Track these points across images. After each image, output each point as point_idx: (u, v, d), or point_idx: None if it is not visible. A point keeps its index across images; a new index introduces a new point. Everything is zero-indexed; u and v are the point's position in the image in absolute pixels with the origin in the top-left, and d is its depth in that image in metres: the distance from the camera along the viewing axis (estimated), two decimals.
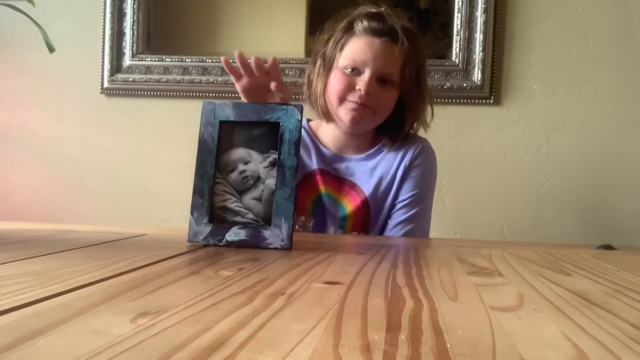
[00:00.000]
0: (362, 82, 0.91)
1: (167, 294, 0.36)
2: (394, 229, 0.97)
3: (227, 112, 0.67)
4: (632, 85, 1.44)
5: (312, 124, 1.07)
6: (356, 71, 0.92)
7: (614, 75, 1.44)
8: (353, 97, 0.92)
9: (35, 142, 1.66)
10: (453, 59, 1.49)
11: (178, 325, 0.28)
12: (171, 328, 0.27)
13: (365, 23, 0.92)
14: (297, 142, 0.64)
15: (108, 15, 1.60)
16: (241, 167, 0.66)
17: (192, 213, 0.65)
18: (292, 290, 0.38)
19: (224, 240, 0.63)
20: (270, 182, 0.65)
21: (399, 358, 0.24)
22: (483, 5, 1.45)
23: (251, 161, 0.66)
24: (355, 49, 0.92)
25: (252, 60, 0.91)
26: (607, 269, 0.54)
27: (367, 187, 0.98)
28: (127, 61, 1.61)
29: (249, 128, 0.67)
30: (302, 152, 1.00)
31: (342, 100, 0.94)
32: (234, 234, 0.63)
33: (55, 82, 1.65)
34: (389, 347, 0.26)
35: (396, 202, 0.98)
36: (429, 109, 1.00)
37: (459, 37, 1.48)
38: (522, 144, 1.48)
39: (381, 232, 1.00)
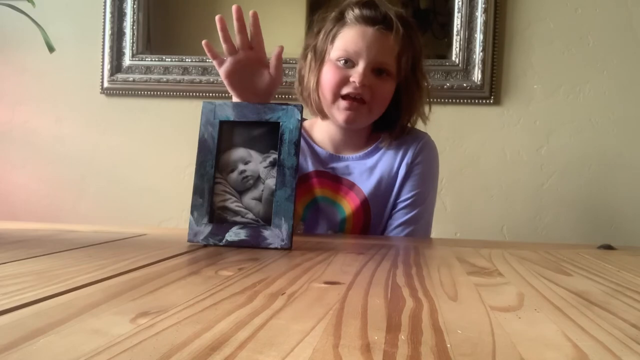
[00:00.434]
0: (356, 73, 0.86)
1: (167, 294, 0.36)
2: (395, 230, 0.95)
3: (227, 112, 0.67)
4: (632, 85, 1.44)
5: (306, 123, 1.02)
6: (350, 63, 0.88)
7: (614, 75, 1.44)
8: (347, 90, 0.87)
9: (36, 142, 1.66)
10: (453, 59, 1.49)
11: (178, 325, 0.28)
12: (171, 328, 0.27)
13: (357, 11, 0.87)
14: (297, 142, 0.64)
15: (108, 15, 1.60)
16: (241, 167, 0.66)
17: (192, 213, 0.65)
18: (292, 290, 0.38)
19: (224, 240, 0.63)
20: (270, 182, 0.65)
21: (399, 358, 0.24)
22: (483, 5, 1.45)
23: (251, 161, 0.66)
24: (348, 39, 0.88)
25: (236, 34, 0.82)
26: (607, 269, 0.54)
27: (366, 187, 0.94)
28: (127, 61, 1.61)
29: (249, 128, 0.67)
30: None
31: (336, 95, 0.89)
32: (234, 234, 0.63)
33: (55, 82, 1.65)
34: (389, 347, 0.26)
35: (397, 201, 0.95)
36: (427, 100, 0.96)
37: (459, 37, 1.48)
38: (522, 144, 1.48)
39: (382, 234, 0.98)
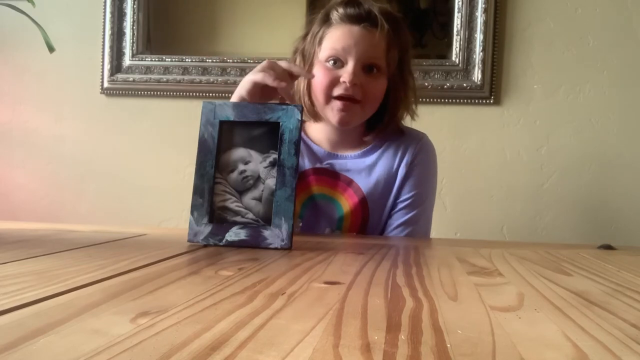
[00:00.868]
0: (346, 73, 0.86)
1: (167, 294, 0.36)
2: (395, 231, 0.95)
3: (227, 112, 0.67)
4: (632, 85, 1.44)
5: None
6: (339, 63, 0.88)
7: (614, 75, 1.44)
8: (339, 91, 0.87)
9: (36, 141, 1.66)
10: (453, 59, 1.49)
11: (178, 325, 0.28)
12: (171, 328, 0.27)
13: (341, 11, 0.87)
14: (297, 142, 0.64)
15: (108, 15, 1.61)
16: (241, 167, 0.66)
17: (192, 213, 0.65)
18: (292, 290, 0.38)
19: (224, 240, 0.63)
20: (270, 182, 0.65)
21: (399, 358, 0.24)
22: (483, 5, 1.45)
23: (251, 161, 0.66)
24: (335, 40, 0.87)
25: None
26: (607, 269, 0.54)
27: (364, 185, 0.94)
28: (127, 61, 1.61)
29: (249, 128, 0.67)
30: None
31: (328, 97, 0.88)
32: (234, 234, 0.63)
33: (55, 82, 1.65)
34: (389, 347, 0.26)
35: (397, 201, 0.95)
36: (413, 95, 0.96)
37: (459, 37, 1.48)
38: (522, 144, 1.48)
39: (381, 234, 0.97)
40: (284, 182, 0.63)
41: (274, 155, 0.65)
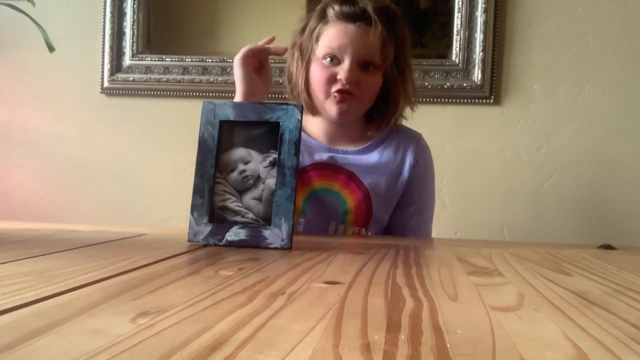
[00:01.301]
0: (342, 71, 0.88)
1: (167, 293, 0.36)
2: (407, 234, 0.98)
3: (227, 111, 0.67)
4: (632, 85, 1.44)
5: None
6: (335, 60, 0.90)
7: (614, 75, 1.44)
8: (336, 88, 0.89)
9: (36, 141, 1.66)
10: (453, 58, 1.48)
11: (178, 325, 0.28)
12: (171, 328, 0.27)
13: (337, 8, 0.89)
14: (297, 142, 0.64)
15: (108, 15, 1.60)
16: (241, 166, 0.66)
17: (192, 213, 0.65)
18: (292, 290, 0.38)
19: (224, 240, 0.63)
20: (270, 181, 0.65)
21: (399, 358, 0.24)
22: (483, 5, 1.45)
23: (251, 161, 0.66)
24: (331, 38, 0.90)
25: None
26: (607, 269, 0.54)
27: (367, 182, 0.94)
28: (127, 61, 1.61)
29: (249, 128, 0.67)
30: None
31: (327, 93, 0.91)
32: (234, 234, 0.63)
33: (55, 82, 1.65)
34: (389, 347, 0.26)
35: (404, 205, 0.97)
36: (412, 89, 0.98)
37: (459, 37, 1.48)
38: (522, 144, 1.48)
39: (383, 229, 0.98)
40: (284, 182, 0.63)
41: (274, 155, 0.65)
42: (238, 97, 0.91)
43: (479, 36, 1.46)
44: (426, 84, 1.49)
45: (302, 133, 0.99)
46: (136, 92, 1.61)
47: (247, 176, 0.66)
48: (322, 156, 0.96)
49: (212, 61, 1.57)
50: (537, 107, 1.47)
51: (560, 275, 0.49)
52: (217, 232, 0.63)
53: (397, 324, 0.30)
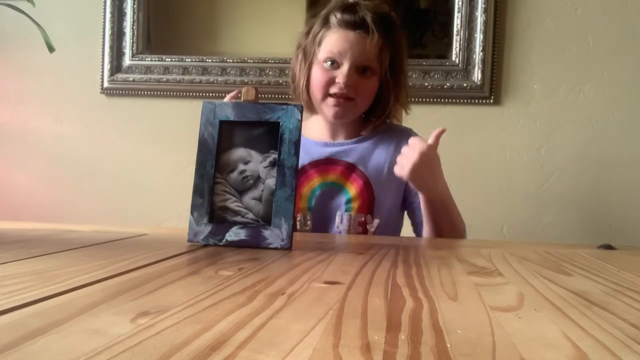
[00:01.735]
0: (341, 75, 0.95)
1: (167, 293, 0.36)
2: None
3: (227, 112, 0.67)
4: (632, 85, 1.44)
5: None
6: (335, 64, 0.96)
7: (614, 75, 1.44)
8: (334, 90, 0.96)
9: (35, 142, 1.66)
10: (453, 59, 1.49)
11: (178, 325, 0.28)
12: (171, 328, 0.27)
13: (339, 16, 0.96)
14: (297, 142, 0.64)
15: (108, 15, 1.61)
16: (241, 167, 0.66)
17: (192, 213, 0.65)
18: (292, 290, 0.38)
19: (224, 240, 0.63)
20: (270, 182, 0.65)
21: (399, 358, 0.24)
22: (483, 5, 1.45)
23: (251, 161, 0.66)
24: (332, 43, 0.96)
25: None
26: (607, 269, 0.54)
27: (366, 170, 0.99)
28: (127, 61, 1.61)
29: (249, 128, 0.67)
30: None
31: (325, 95, 0.97)
32: (234, 234, 0.63)
33: (55, 82, 1.65)
34: (389, 347, 0.26)
35: (412, 189, 0.98)
36: (405, 93, 1.04)
37: (459, 37, 1.48)
38: (522, 144, 1.48)
39: (389, 216, 1.00)
40: (284, 182, 0.63)
41: (274, 155, 0.65)
42: None
43: (479, 36, 1.46)
44: (426, 84, 1.49)
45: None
46: (136, 92, 1.61)
47: (247, 176, 0.66)
48: (320, 153, 1.01)
49: (212, 61, 1.57)
50: (537, 107, 1.47)
51: (560, 275, 0.49)
52: (217, 232, 0.63)
53: (397, 324, 0.30)
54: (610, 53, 1.44)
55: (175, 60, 1.59)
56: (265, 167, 0.66)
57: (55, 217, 1.63)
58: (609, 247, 0.74)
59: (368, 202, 0.98)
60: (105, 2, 1.60)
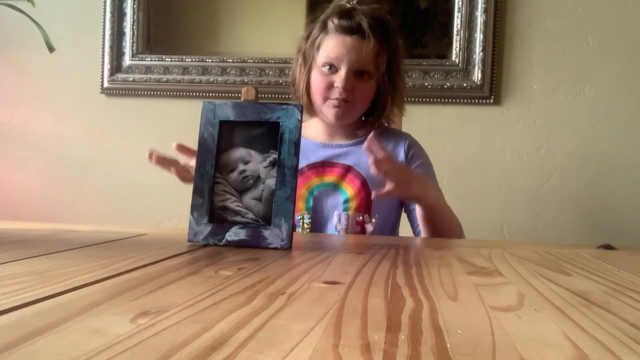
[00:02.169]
0: (339, 79, 0.97)
1: (167, 293, 0.36)
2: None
3: (227, 111, 0.67)
4: (632, 85, 1.44)
5: None
6: (333, 68, 0.98)
7: (614, 75, 1.44)
8: (334, 95, 0.98)
9: (36, 141, 1.66)
10: (453, 58, 1.48)
11: (178, 325, 0.28)
12: (171, 328, 0.27)
13: (336, 21, 0.98)
14: (297, 142, 0.64)
15: (108, 15, 1.61)
16: (241, 166, 0.66)
17: (192, 213, 0.65)
18: (292, 290, 0.38)
19: (224, 240, 0.63)
20: (270, 181, 0.65)
21: (399, 358, 0.24)
22: (483, 5, 1.45)
23: (251, 161, 0.66)
24: (330, 48, 0.98)
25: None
26: (607, 269, 0.54)
27: (363, 170, 1.01)
28: (127, 61, 1.61)
29: (249, 128, 0.67)
30: None
31: (325, 98, 0.99)
32: (234, 234, 0.63)
33: (55, 82, 1.65)
34: (389, 347, 0.26)
35: None
36: (402, 95, 1.06)
37: (459, 37, 1.48)
38: (522, 144, 1.48)
39: (387, 216, 1.01)
40: (284, 182, 0.63)
41: (274, 155, 0.65)
42: None
43: (479, 36, 1.46)
44: (426, 84, 1.49)
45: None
46: (136, 92, 1.61)
47: (247, 176, 0.66)
48: (318, 156, 1.03)
49: (212, 61, 1.57)
50: (537, 107, 1.47)
51: (560, 275, 0.49)
52: (217, 232, 0.63)
53: (397, 324, 0.30)
54: (610, 53, 1.44)
55: (175, 60, 1.59)
56: (265, 167, 0.66)
57: (55, 217, 1.63)
58: (609, 247, 0.74)
59: (365, 201, 1.00)
60: (105, 2, 1.60)
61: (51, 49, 0.78)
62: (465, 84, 1.48)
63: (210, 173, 0.65)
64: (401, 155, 1.04)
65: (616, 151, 1.44)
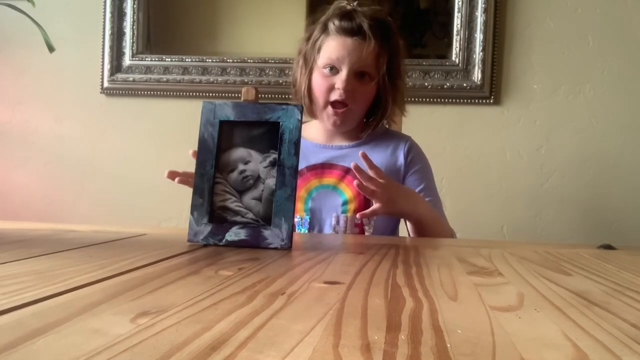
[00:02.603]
0: (340, 80, 0.97)
1: (167, 293, 0.36)
2: None
3: (227, 111, 0.67)
4: (632, 85, 1.44)
5: None
6: (334, 70, 0.98)
7: (614, 75, 1.44)
8: (334, 96, 0.98)
9: (35, 141, 1.66)
10: (453, 58, 1.49)
11: (178, 325, 0.28)
12: (171, 328, 0.27)
13: (337, 23, 0.98)
14: (297, 142, 0.64)
15: (108, 15, 1.61)
16: (241, 166, 0.66)
17: (192, 213, 0.65)
18: (292, 290, 0.38)
19: (224, 240, 0.63)
20: (270, 181, 0.65)
21: (399, 358, 0.24)
22: (483, 5, 1.45)
23: (251, 161, 0.66)
24: (330, 50, 0.99)
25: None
26: (607, 269, 0.54)
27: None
28: (127, 61, 1.61)
29: (249, 128, 0.67)
30: None
31: (325, 101, 0.99)
32: (234, 234, 0.63)
33: (55, 82, 1.65)
34: (389, 347, 0.26)
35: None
36: (402, 96, 1.06)
37: (459, 37, 1.48)
38: (522, 144, 1.48)
39: (386, 218, 1.01)
40: (284, 182, 0.63)
41: (274, 155, 0.65)
42: None
43: (479, 36, 1.46)
44: (426, 84, 1.49)
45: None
46: (136, 92, 1.61)
47: (247, 176, 0.66)
48: (318, 158, 1.03)
49: (212, 61, 1.57)
50: (537, 107, 1.47)
51: (560, 275, 0.49)
52: (217, 232, 0.63)
53: (397, 324, 0.30)
54: (610, 53, 1.44)
55: (175, 60, 1.59)
56: (265, 167, 0.66)
57: (55, 217, 1.63)
58: (609, 247, 0.74)
59: (364, 203, 0.99)
60: (105, 2, 1.60)
61: (51, 49, 0.78)
62: (465, 84, 1.48)
63: (210, 173, 0.65)
64: (400, 158, 1.04)
65: (616, 151, 1.44)
